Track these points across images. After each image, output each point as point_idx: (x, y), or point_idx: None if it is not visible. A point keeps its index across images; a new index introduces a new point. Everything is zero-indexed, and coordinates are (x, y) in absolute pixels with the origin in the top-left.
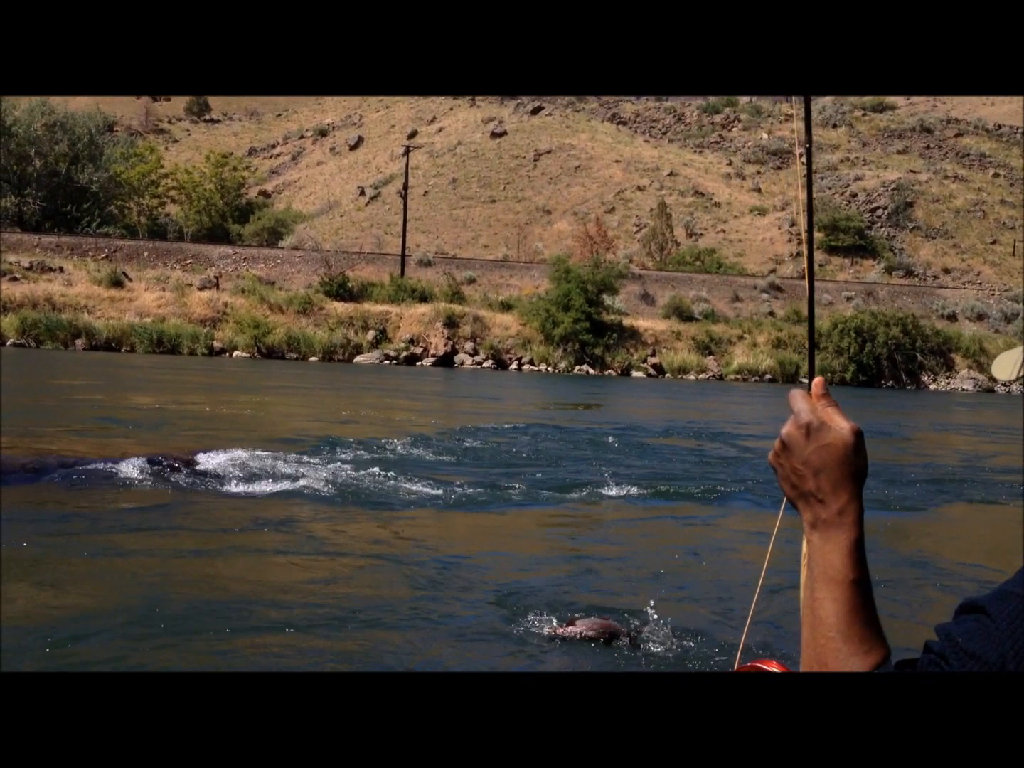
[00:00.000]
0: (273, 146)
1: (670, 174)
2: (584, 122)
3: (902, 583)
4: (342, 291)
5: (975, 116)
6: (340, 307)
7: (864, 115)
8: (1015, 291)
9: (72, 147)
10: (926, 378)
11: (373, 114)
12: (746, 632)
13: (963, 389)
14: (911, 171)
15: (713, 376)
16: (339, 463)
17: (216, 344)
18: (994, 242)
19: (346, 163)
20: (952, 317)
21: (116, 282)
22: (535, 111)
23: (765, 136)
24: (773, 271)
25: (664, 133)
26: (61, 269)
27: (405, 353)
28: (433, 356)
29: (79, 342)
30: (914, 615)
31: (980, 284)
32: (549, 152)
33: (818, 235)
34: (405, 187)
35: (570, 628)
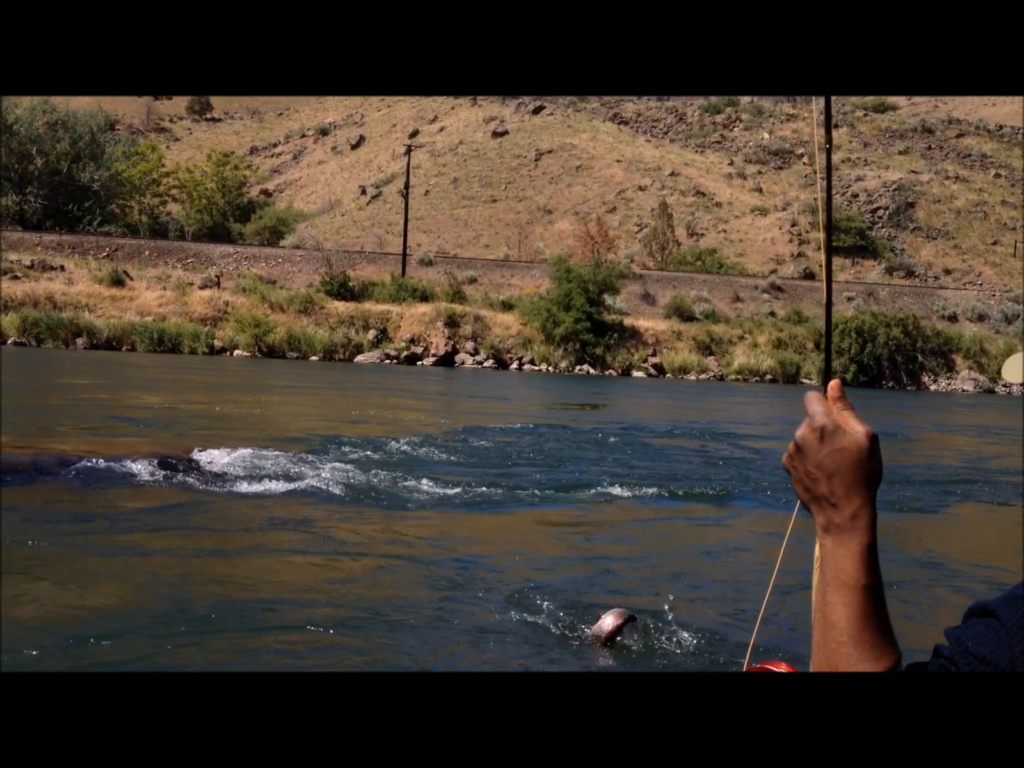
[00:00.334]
0: (274, 145)
1: (671, 174)
2: (585, 122)
3: (912, 584)
4: (343, 290)
5: (976, 117)
6: (341, 306)
7: (865, 115)
8: (1016, 292)
9: (73, 145)
10: (926, 379)
11: (375, 113)
12: (756, 633)
13: (964, 390)
14: (912, 171)
15: (714, 376)
16: (350, 462)
17: (217, 343)
18: (995, 243)
19: (347, 162)
20: (953, 318)
21: (117, 281)
22: (536, 111)
23: (767, 136)
24: (774, 271)
25: (665, 133)
26: (62, 268)
27: (406, 353)
28: (434, 356)
29: (80, 341)
30: (924, 617)
31: (981, 285)
32: (550, 152)
33: (819, 235)
34: (406, 186)
35: (604, 623)
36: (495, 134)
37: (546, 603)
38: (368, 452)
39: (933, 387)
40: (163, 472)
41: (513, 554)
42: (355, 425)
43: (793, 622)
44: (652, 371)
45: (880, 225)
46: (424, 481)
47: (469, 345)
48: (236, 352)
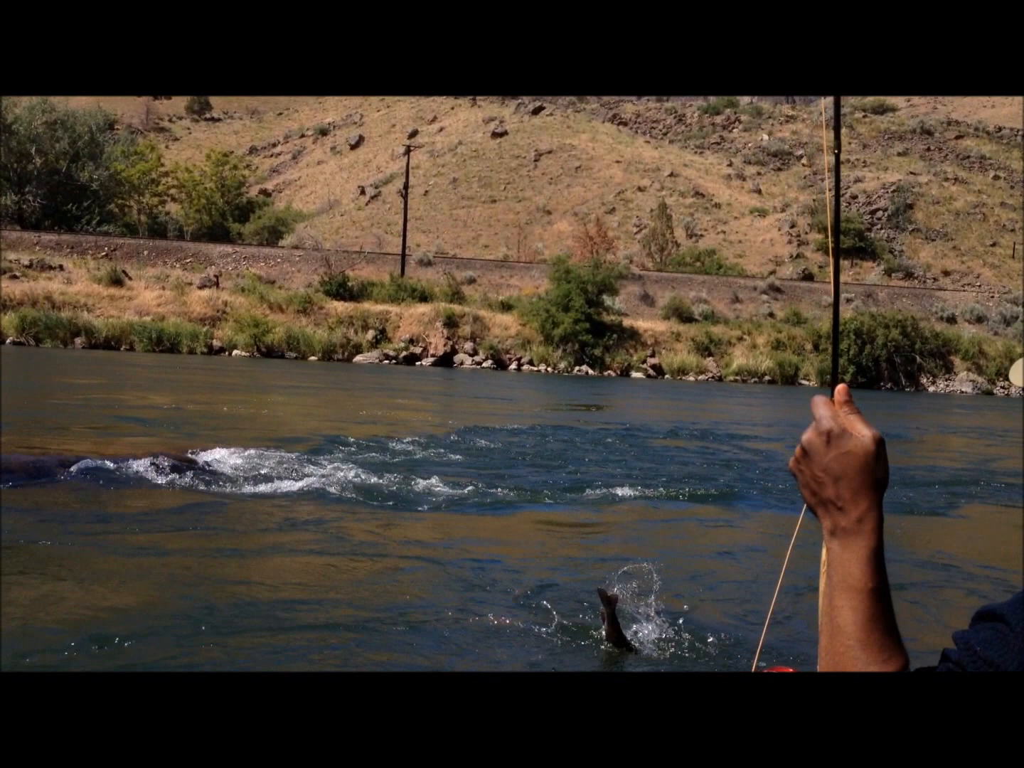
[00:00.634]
0: (274, 145)
1: (670, 175)
2: (585, 122)
3: (919, 586)
4: (342, 290)
5: (975, 118)
6: (340, 306)
7: (864, 117)
8: (1015, 294)
9: (72, 145)
10: (925, 380)
11: (374, 113)
12: (763, 636)
13: (962, 391)
14: (911, 173)
15: (712, 377)
16: (357, 463)
17: (215, 343)
18: (994, 244)
19: (347, 162)
20: (951, 319)
21: (116, 280)
22: (536, 111)
23: (766, 137)
24: (773, 272)
25: (665, 134)
26: (61, 267)
27: (405, 353)
28: (433, 356)
29: (78, 340)
30: (931, 619)
31: (980, 286)
32: (550, 152)
33: (818, 236)
34: (406, 186)
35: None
36: (494, 134)
37: (555, 604)
38: (374, 453)
39: (931, 388)
40: (174, 472)
41: (521, 555)
42: (361, 426)
43: (800, 625)
44: (651, 372)
45: (879, 226)
46: (434, 481)
47: (468, 345)
48: (235, 352)
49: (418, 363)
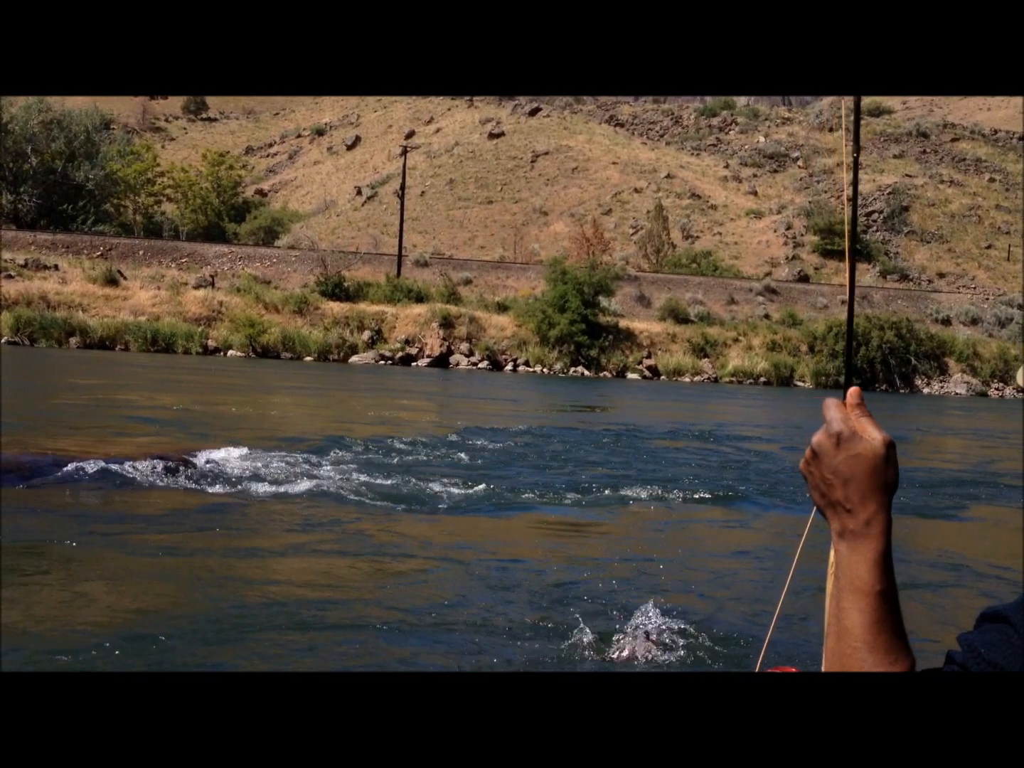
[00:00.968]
0: (270, 145)
1: (667, 176)
2: (581, 124)
3: (925, 587)
4: (338, 291)
5: (971, 121)
6: (336, 307)
7: (861, 119)
8: (1009, 296)
9: (68, 145)
10: (919, 382)
11: (371, 114)
12: (769, 636)
13: (956, 393)
14: (907, 175)
15: (708, 379)
16: (366, 464)
17: (211, 343)
18: (989, 247)
19: (343, 163)
20: (946, 321)
21: (111, 280)
22: (533, 112)
23: (762, 139)
24: (769, 274)
25: (661, 135)
26: (56, 267)
27: (400, 353)
28: (428, 357)
29: (73, 340)
30: (937, 620)
31: (975, 288)
32: (546, 153)
33: (814, 239)
34: (402, 187)
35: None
36: (491, 135)
37: (563, 605)
38: (377, 454)
39: (926, 390)
40: (183, 473)
41: (528, 556)
42: (365, 426)
43: (807, 625)
44: (647, 373)
45: (875, 229)
46: (439, 483)
47: (464, 346)
48: (230, 352)
49: (414, 364)
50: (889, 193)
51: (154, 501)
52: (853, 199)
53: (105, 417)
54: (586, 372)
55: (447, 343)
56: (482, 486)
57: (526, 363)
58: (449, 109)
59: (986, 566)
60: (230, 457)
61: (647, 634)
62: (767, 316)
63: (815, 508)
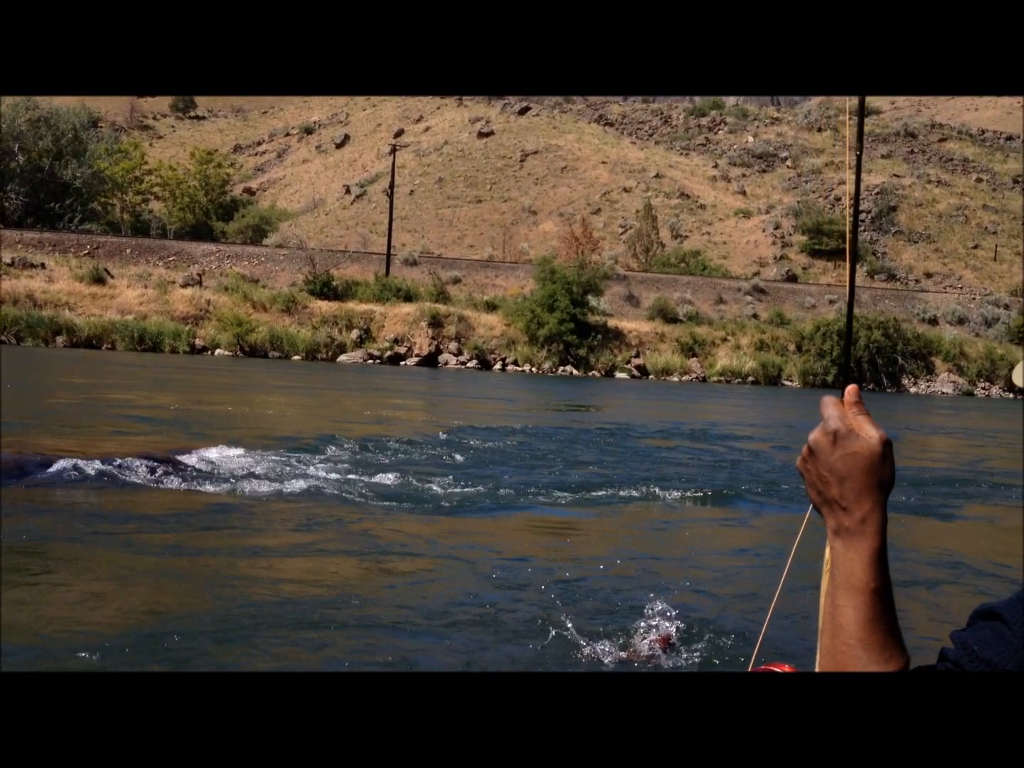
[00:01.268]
0: (259, 143)
1: (656, 176)
2: (571, 123)
3: (919, 585)
4: (326, 290)
5: (959, 121)
6: (324, 306)
7: (850, 119)
8: (996, 295)
9: (56, 143)
10: (906, 381)
11: (360, 112)
12: (763, 633)
13: (943, 392)
14: (895, 175)
15: (696, 378)
16: (360, 463)
17: (198, 342)
18: (976, 247)
19: (332, 161)
20: (933, 321)
21: (98, 279)
22: (522, 111)
23: (751, 139)
24: (757, 274)
25: (651, 135)
26: (43, 265)
27: (389, 353)
28: (417, 356)
29: (59, 339)
30: (933, 616)
31: (961, 288)
32: (536, 152)
33: (802, 239)
34: (391, 186)
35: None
36: (481, 134)
37: (561, 605)
38: (370, 453)
39: (913, 389)
40: (182, 472)
41: (527, 555)
42: (359, 425)
43: (802, 622)
44: (635, 372)
45: (862, 228)
46: (436, 481)
47: (453, 345)
48: (217, 351)
49: (402, 363)
50: (877, 193)
51: (150, 500)
52: (855, 199)
53: (98, 416)
54: (575, 371)
55: (436, 342)
56: (477, 486)
57: (515, 362)
58: (438, 108)
59: (980, 564)
60: (225, 456)
61: (645, 632)
62: (755, 316)
63: (811, 506)
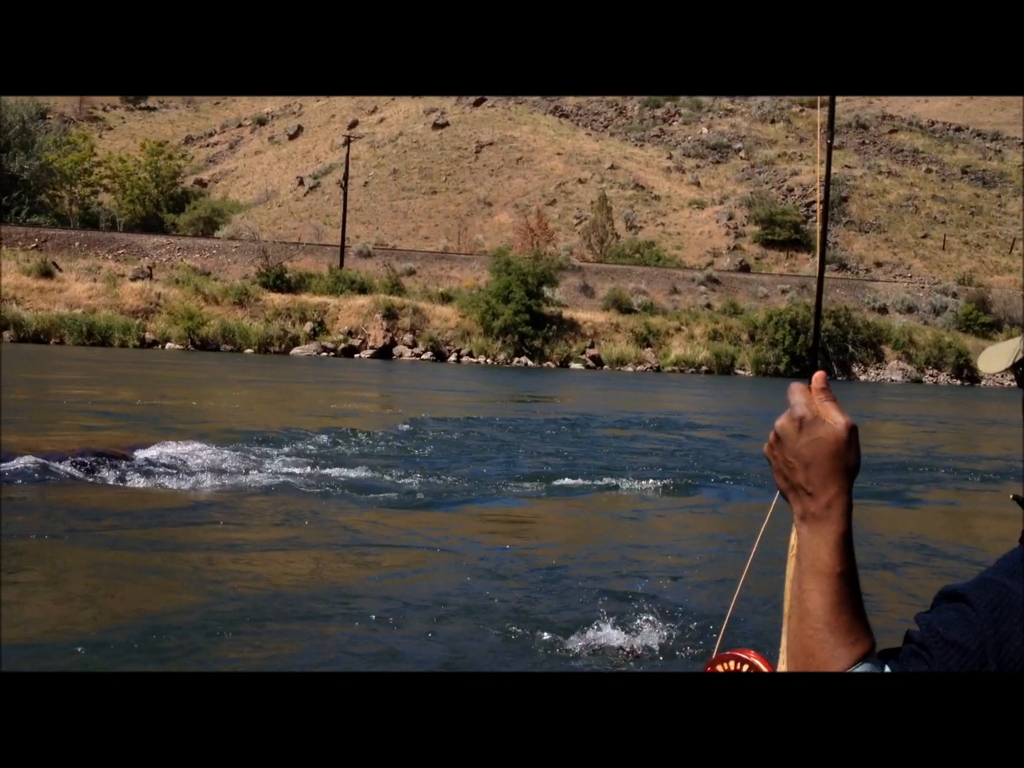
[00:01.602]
0: (210, 135)
1: (611, 167)
2: (526, 114)
3: (886, 567)
4: (279, 282)
5: (909, 113)
6: (277, 298)
7: (802, 111)
8: (944, 284)
9: (3, 134)
10: (856, 369)
11: (313, 103)
12: (728, 618)
13: (892, 380)
14: (846, 166)
15: (651, 368)
16: (324, 457)
17: (148, 336)
18: (925, 236)
19: (285, 152)
20: (883, 310)
21: (46, 272)
22: (477, 103)
23: (705, 131)
24: (711, 264)
25: (606, 126)
26: None
27: (343, 345)
28: (372, 348)
29: (7, 334)
30: (898, 598)
31: (911, 277)
32: (491, 144)
33: (755, 229)
34: (345, 177)
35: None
36: (436, 126)
37: (534, 595)
38: (338, 446)
39: (863, 377)
40: (157, 467)
41: (499, 544)
42: (324, 418)
43: (768, 607)
44: (590, 363)
45: (814, 219)
46: (401, 475)
47: (407, 337)
48: (168, 345)
49: (357, 355)
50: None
51: (123, 497)
52: (825, 194)
53: (60, 413)
54: (530, 362)
55: (390, 334)
56: (446, 478)
57: (470, 354)
58: (393, 99)
59: (942, 546)
60: (195, 451)
61: (614, 620)
62: (709, 306)
63: (778, 492)
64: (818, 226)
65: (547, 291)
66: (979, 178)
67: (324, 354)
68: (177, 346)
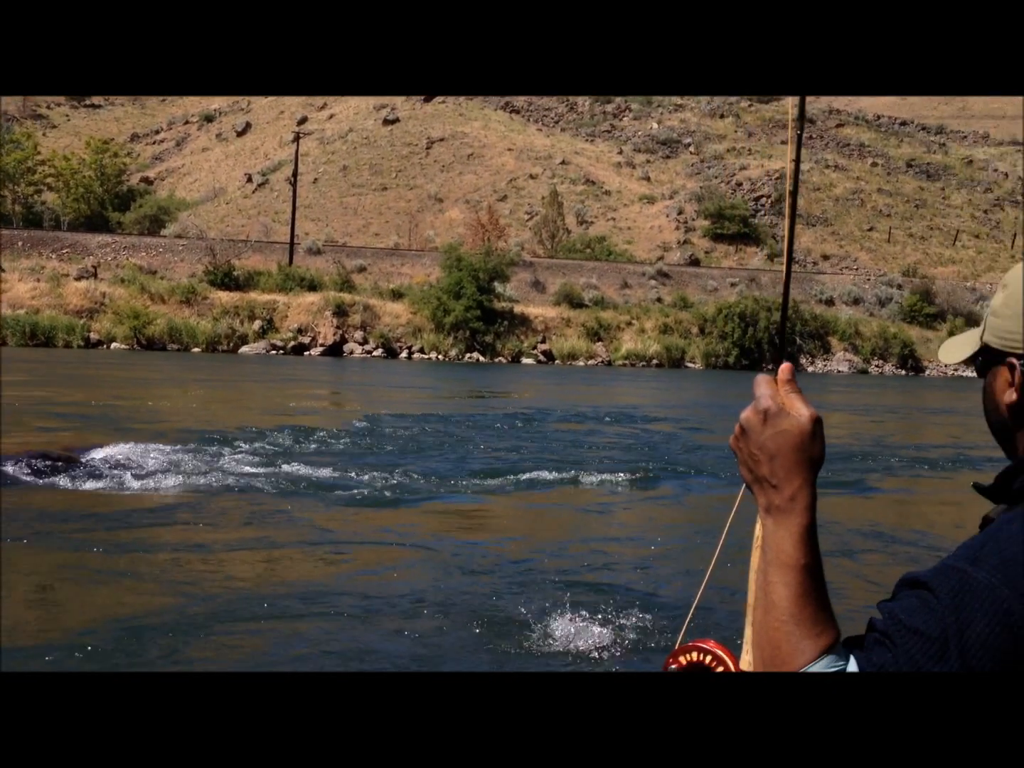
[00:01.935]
0: (157, 132)
1: (562, 163)
2: (477, 110)
3: (848, 555)
4: (227, 280)
5: (855, 107)
6: (225, 296)
7: (750, 106)
8: (889, 276)
9: None
10: (804, 361)
11: (261, 100)
12: (693, 609)
13: (839, 371)
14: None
15: (602, 362)
16: (290, 455)
17: (93, 336)
18: (871, 229)
19: (233, 149)
20: (830, 302)
21: None
22: (428, 99)
23: (655, 126)
24: (661, 258)
25: (556, 122)
26: None
27: (293, 343)
28: (322, 345)
29: None
30: (861, 586)
31: (857, 270)
32: (442, 140)
33: (704, 223)
34: (295, 174)
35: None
36: (386, 122)
37: (502, 591)
38: (294, 444)
39: (810, 369)
40: (118, 468)
41: (470, 539)
42: (278, 416)
43: (733, 598)
44: (542, 358)
45: (763, 213)
46: (371, 471)
47: (358, 334)
48: (113, 345)
49: (306, 353)
50: (777, 178)
51: (87, 498)
52: (794, 189)
53: (12, 413)
54: (481, 358)
55: (341, 331)
56: (407, 475)
57: (421, 350)
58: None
59: (901, 534)
60: (155, 451)
61: (581, 614)
62: (659, 300)
63: (744, 484)
64: (786, 222)
65: (498, 287)
66: (923, 171)
67: (273, 352)
68: (123, 346)
